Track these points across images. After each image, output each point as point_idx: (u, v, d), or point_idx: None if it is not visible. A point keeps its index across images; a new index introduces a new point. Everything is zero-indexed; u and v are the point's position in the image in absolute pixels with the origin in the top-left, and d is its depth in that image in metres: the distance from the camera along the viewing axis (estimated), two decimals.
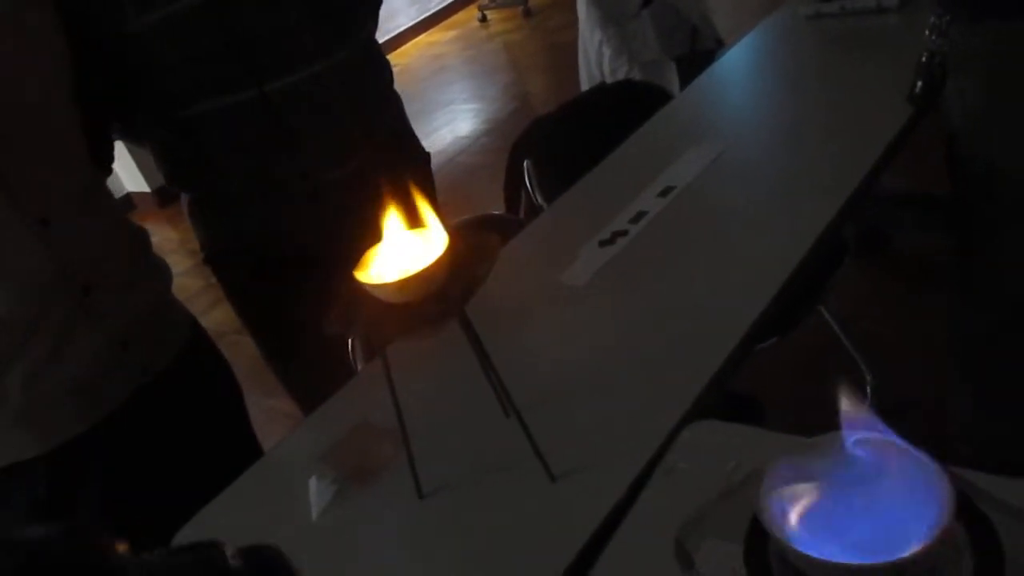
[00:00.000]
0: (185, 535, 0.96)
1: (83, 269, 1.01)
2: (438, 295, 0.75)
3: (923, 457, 0.43)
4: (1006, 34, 1.16)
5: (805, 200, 1.22)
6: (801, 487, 0.46)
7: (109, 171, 1.24)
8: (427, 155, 1.57)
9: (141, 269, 1.13)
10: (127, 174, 4.31)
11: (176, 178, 1.39)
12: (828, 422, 0.59)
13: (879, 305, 2.17)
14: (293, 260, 1.36)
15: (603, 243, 1.22)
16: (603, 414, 0.92)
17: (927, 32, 1.24)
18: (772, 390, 1.89)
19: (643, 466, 0.83)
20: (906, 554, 0.41)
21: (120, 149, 4.43)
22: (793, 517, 0.45)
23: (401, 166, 1.48)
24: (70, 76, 1.05)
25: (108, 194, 1.15)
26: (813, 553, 0.43)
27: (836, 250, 1.59)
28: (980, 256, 1.43)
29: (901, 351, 1.96)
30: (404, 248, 0.80)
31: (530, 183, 1.57)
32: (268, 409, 2.38)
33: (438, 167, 3.98)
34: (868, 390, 1.80)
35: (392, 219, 0.81)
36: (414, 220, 0.81)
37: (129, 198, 4.45)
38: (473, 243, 0.80)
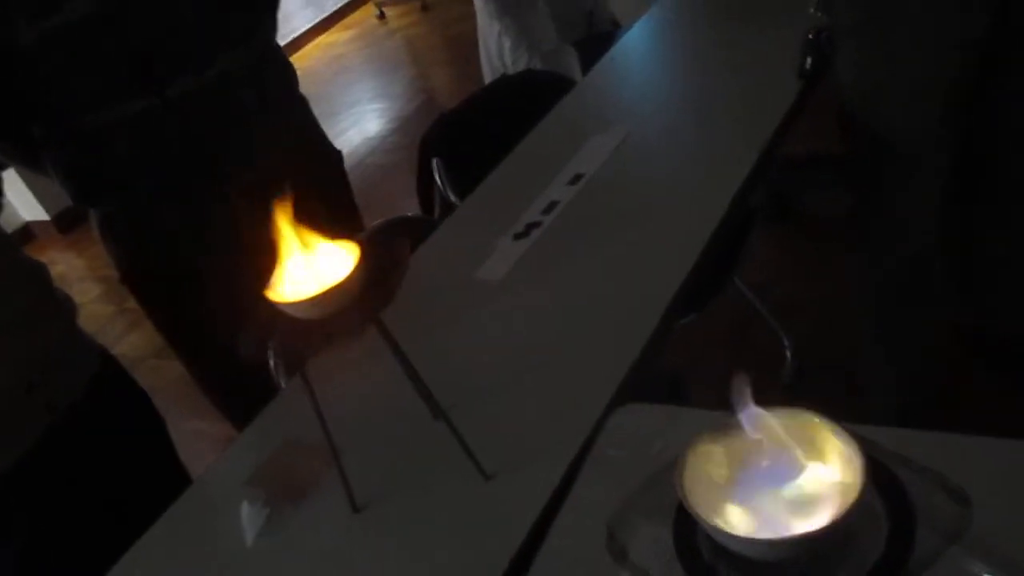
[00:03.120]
0: (117, 573, 0.93)
1: None
2: (353, 306, 0.74)
3: (834, 425, 0.45)
4: (886, 3, 1.21)
5: (711, 174, 1.25)
6: (720, 464, 0.47)
7: None
8: (339, 154, 1.56)
9: (43, 307, 1.09)
10: (23, 203, 4.13)
11: (83, 195, 1.35)
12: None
13: (789, 269, 2.23)
14: (212, 271, 1.33)
15: (517, 236, 1.22)
16: (531, 407, 0.93)
17: (812, 9, 1.28)
18: (694, 364, 1.93)
19: (574, 455, 0.84)
20: (824, 524, 0.42)
21: (15, 179, 4.25)
22: (715, 495, 0.46)
23: (313, 166, 1.46)
24: None
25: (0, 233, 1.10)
26: (737, 531, 0.44)
27: (744, 219, 1.62)
28: (878, 215, 1.49)
29: (816, 313, 2.02)
30: (314, 261, 0.78)
31: (441, 181, 1.57)
32: (193, 432, 2.32)
33: (349, 169, 3.93)
34: (788, 355, 1.85)
35: (300, 234, 0.79)
36: (323, 230, 0.80)
37: (28, 228, 4.27)
38: (384, 250, 0.79)
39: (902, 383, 1.57)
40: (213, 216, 1.32)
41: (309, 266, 0.77)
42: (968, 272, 1.61)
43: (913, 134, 1.37)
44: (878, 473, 0.45)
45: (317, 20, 6.10)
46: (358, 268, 0.73)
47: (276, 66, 1.43)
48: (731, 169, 1.22)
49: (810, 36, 1.35)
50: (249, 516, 0.90)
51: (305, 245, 0.76)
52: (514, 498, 0.82)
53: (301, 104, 1.49)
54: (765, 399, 0.52)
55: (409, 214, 1.65)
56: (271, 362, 1.19)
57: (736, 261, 1.58)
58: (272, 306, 0.76)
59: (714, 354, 1.97)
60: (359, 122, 4.44)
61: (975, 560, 0.52)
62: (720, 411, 0.75)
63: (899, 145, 1.38)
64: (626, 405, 0.86)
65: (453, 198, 1.53)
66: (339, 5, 6.28)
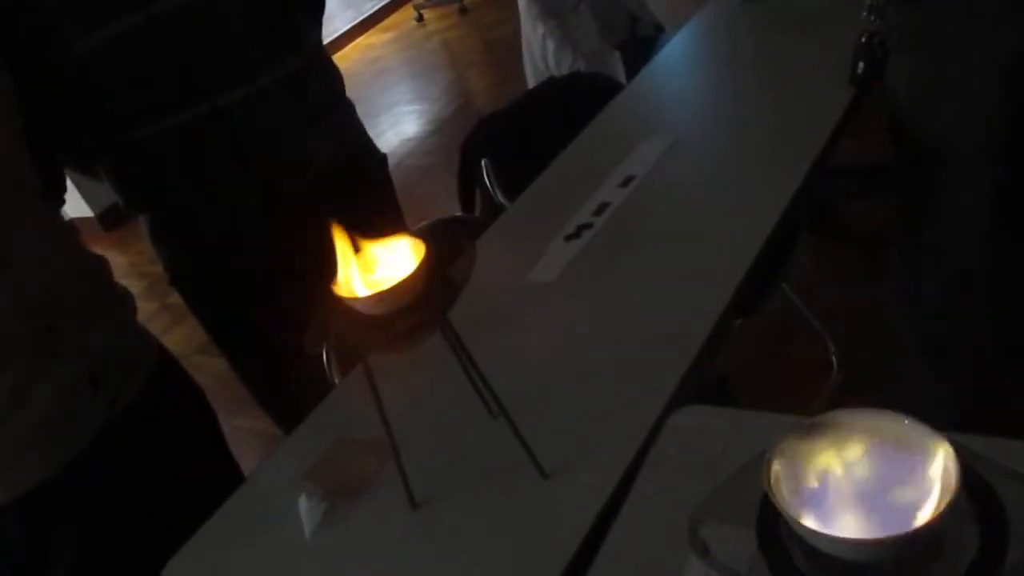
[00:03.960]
0: (174, 567, 0.94)
1: (45, 307, 0.98)
2: (419, 303, 0.75)
3: (923, 426, 0.44)
4: (944, 9, 1.19)
5: (762, 180, 1.24)
6: (807, 463, 0.46)
7: (62, 202, 1.21)
8: (384, 157, 1.57)
9: (105, 300, 1.11)
10: (68, 200, 4.19)
11: (134, 201, 1.37)
12: (796, 397, 0.61)
13: (834, 277, 2.21)
14: (260, 274, 1.35)
15: (569, 237, 1.23)
16: (588, 408, 0.93)
17: (865, 13, 1.27)
18: (738, 369, 1.92)
19: (633, 455, 0.84)
20: (916, 525, 0.42)
21: None
22: (802, 496, 0.46)
23: (359, 171, 1.47)
24: (18, 111, 1.01)
25: (63, 226, 1.12)
26: (826, 530, 0.44)
27: (793, 226, 1.61)
28: (927, 226, 1.47)
29: (856, 321, 2.00)
30: (377, 257, 0.79)
31: (490, 182, 1.57)
32: (236, 428, 2.34)
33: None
34: (835, 361, 1.84)
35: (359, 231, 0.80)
36: (379, 229, 0.80)
37: (72, 224, 4.34)
38: (448, 247, 0.80)
39: (950, 397, 1.55)
40: (262, 221, 1.34)
41: (375, 263, 0.78)
42: (1013, 289, 1.58)
43: (964, 146, 1.34)
44: (969, 476, 0.45)
45: (355, 22, 6.15)
46: (424, 263, 0.74)
47: (323, 72, 1.44)
48: (783, 175, 1.22)
49: (863, 40, 1.33)
50: (307, 510, 0.91)
51: (362, 246, 0.76)
52: (573, 497, 0.83)
53: (348, 109, 1.50)
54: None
55: (456, 214, 1.65)
56: (324, 359, 1.21)
57: (784, 268, 1.57)
58: (334, 304, 0.77)
59: (758, 359, 1.96)
60: (397, 124, 4.47)
61: None
62: (783, 414, 0.75)
63: (949, 157, 1.36)
64: (685, 407, 0.86)
65: (502, 199, 1.53)
66: (377, 7, 6.32)
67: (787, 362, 1.96)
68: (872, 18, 1.31)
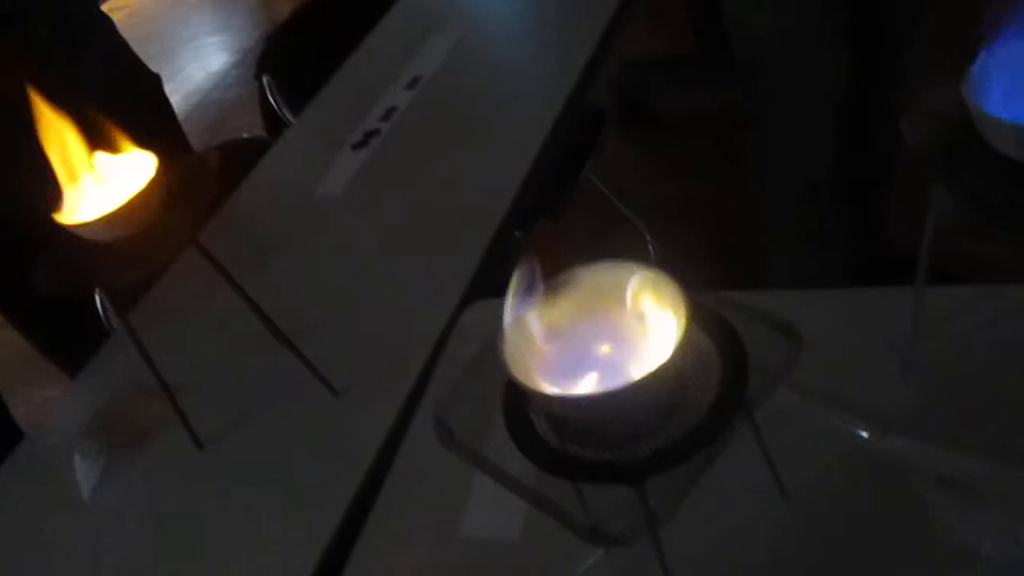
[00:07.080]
0: None
1: None
2: (159, 226, 0.67)
3: (657, 273, 0.42)
4: None
5: (548, 71, 1.22)
6: (540, 330, 0.44)
7: None
8: (157, 77, 1.44)
9: None
10: None
11: None
12: None
13: (651, 170, 2.24)
14: (24, 215, 1.21)
15: (356, 146, 1.16)
16: (379, 321, 0.89)
17: None
18: (560, 271, 1.92)
19: (426, 359, 0.81)
20: (652, 369, 0.40)
21: None
22: (541, 362, 0.43)
23: (125, 92, 1.34)
24: None
25: None
26: (562, 392, 0.41)
27: (594, 120, 1.60)
28: (771, 140, 1.44)
29: (678, 210, 2.03)
30: (115, 183, 0.71)
31: (274, 100, 1.47)
32: (46, 400, 2.18)
33: (192, 107, 3.68)
34: (651, 250, 1.86)
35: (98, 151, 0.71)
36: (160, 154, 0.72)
37: None
38: (189, 164, 0.72)
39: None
40: (12, 155, 1.20)
41: (109, 184, 0.70)
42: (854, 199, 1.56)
43: (804, 68, 1.30)
44: (704, 315, 0.43)
45: None
46: (154, 182, 0.66)
47: None
48: (567, 65, 1.19)
49: None
50: (84, 469, 0.83)
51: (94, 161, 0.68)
52: (367, 409, 0.79)
53: (105, 22, 1.36)
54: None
55: (245, 135, 1.54)
56: (98, 302, 1.11)
57: (584, 164, 1.55)
58: (71, 234, 0.68)
59: (580, 258, 1.97)
60: (199, 57, 4.17)
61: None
62: None
63: (783, 59, 1.32)
64: (475, 302, 0.84)
65: (290, 116, 1.44)
66: None
67: (607, 256, 1.97)
68: None
